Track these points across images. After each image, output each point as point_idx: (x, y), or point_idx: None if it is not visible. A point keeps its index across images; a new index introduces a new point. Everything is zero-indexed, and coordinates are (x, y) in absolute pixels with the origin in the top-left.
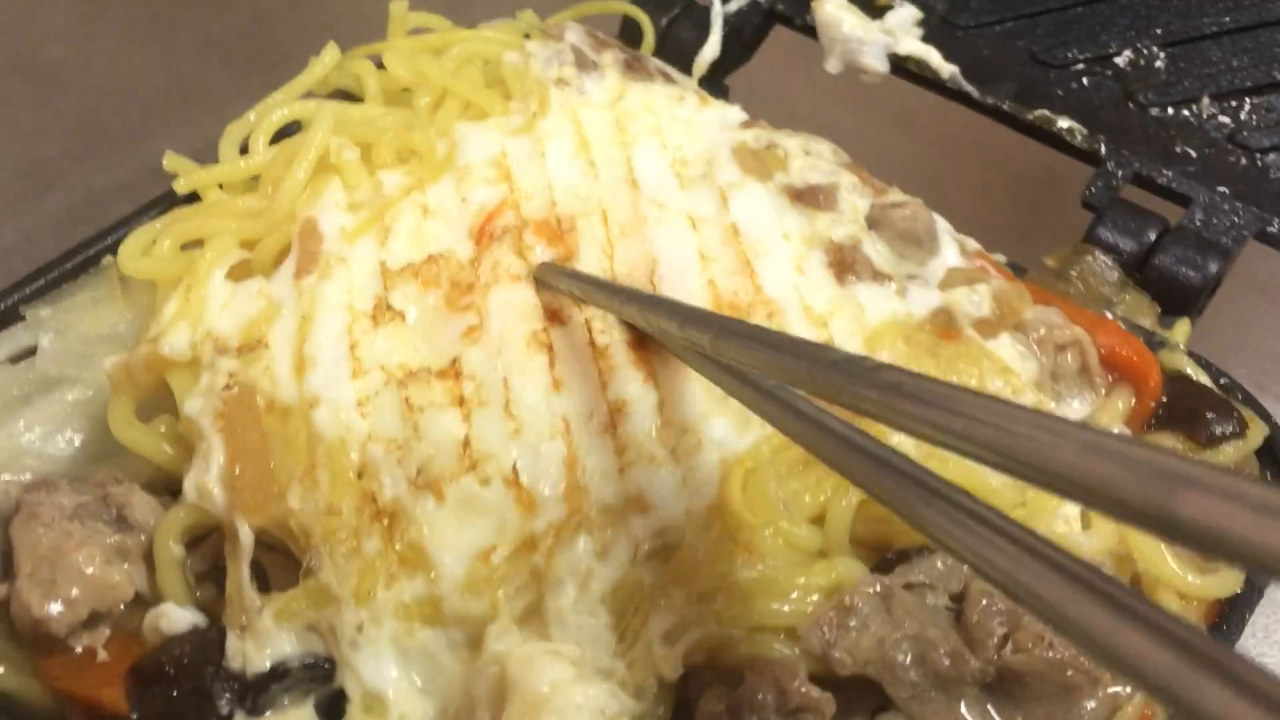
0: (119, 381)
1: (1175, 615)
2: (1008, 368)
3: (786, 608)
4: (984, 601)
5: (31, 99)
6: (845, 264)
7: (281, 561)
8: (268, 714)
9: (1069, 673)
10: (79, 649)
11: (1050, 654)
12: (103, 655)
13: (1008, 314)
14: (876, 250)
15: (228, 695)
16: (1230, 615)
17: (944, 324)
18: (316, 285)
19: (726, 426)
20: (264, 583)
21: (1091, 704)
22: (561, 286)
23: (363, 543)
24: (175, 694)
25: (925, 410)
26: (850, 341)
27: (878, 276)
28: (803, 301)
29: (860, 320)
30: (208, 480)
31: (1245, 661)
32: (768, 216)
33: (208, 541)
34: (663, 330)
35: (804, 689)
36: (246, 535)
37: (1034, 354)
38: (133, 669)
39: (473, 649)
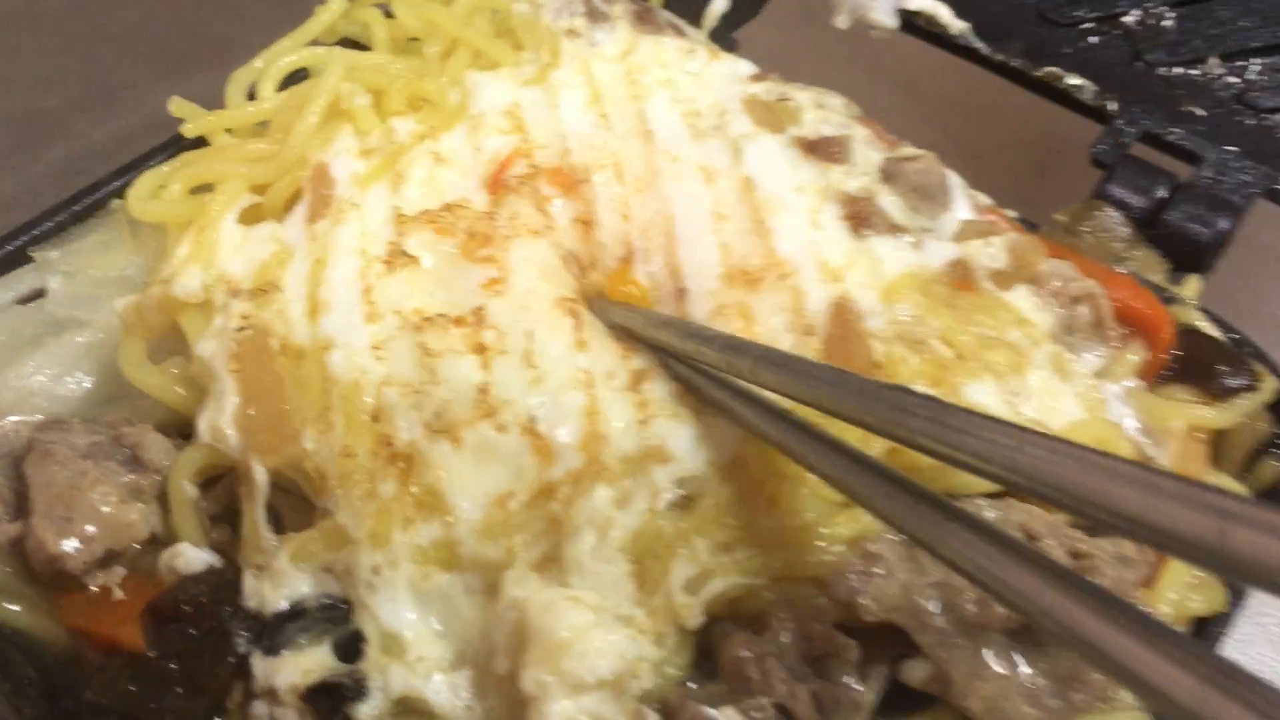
0: (130, 323)
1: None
2: (1025, 319)
3: (811, 557)
4: None
5: (33, 49)
6: (860, 216)
7: (296, 503)
8: (284, 653)
9: None
10: (94, 588)
11: None
12: (118, 594)
13: (1023, 266)
14: (891, 203)
15: (245, 634)
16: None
17: (960, 276)
18: (330, 230)
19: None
20: (279, 524)
21: None
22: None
23: (379, 485)
24: (192, 632)
25: (960, 437)
26: (867, 294)
27: (893, 229)
28: (818, 257)
29: (877, 272)
30: (221, 421)
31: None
32: (781, 169)
33: (221, 483)
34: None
35: (829, 634)
36: (261, 476)
37: (1050, 307)
38: (149, 607)
39: (490, 595)
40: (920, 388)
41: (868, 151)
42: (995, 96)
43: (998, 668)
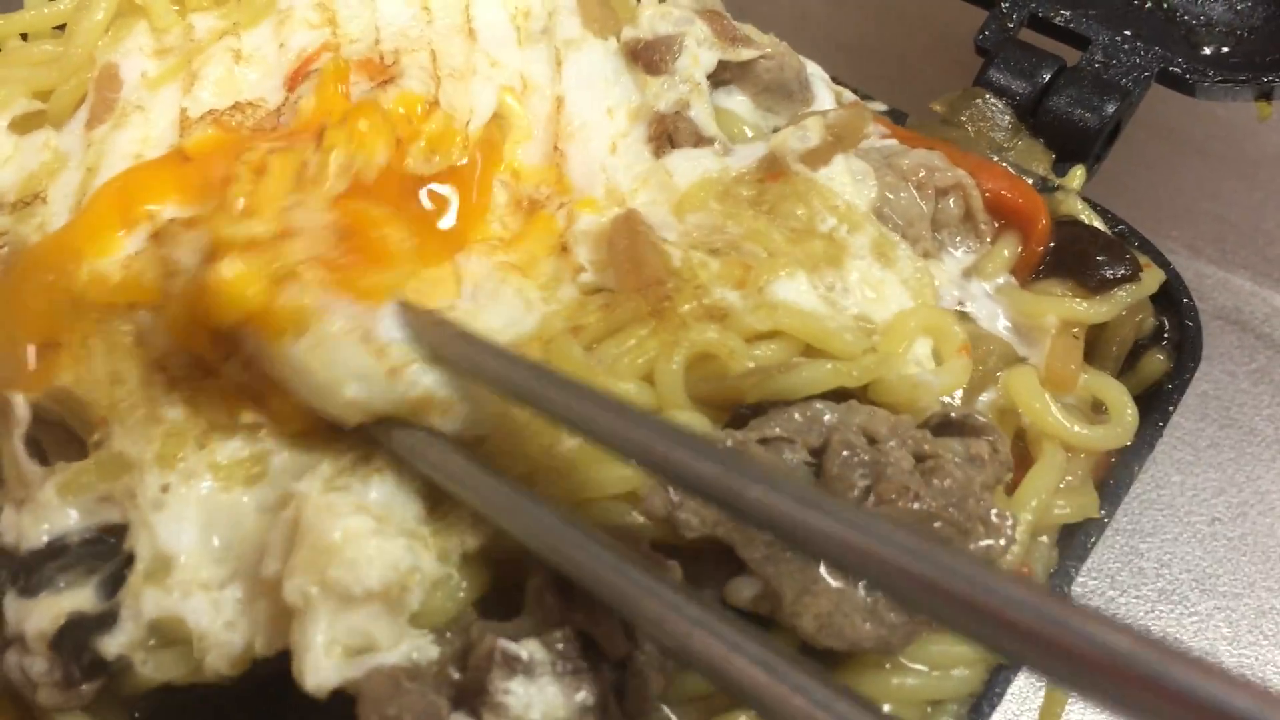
0: None
1: None
2: (840, 202)
3: (618, 473)
4: (844, 453)
5: None
6: (665, 135)
7: (62, 436)
8: (41, 595)
9: (936, 525)
10: None
11: (915, 505)
12: None
13: (845, 136)
14: (708, 112)
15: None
16: (1118, 469)
17: (769, 168)
18: (108, 135)
19: (507, 312)
20: (43, 458)
21: None
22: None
23: (161, 410)
24: None
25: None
26: (655, 211)
27: (700, 141)
28: (607, 184)
29: (668, 187)
30: None
31: None
32: (596, 86)
33: None
34: None
35: (645, 556)
36: (22, 408)
37: (873, 178)
38: None
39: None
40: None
41: (700, 51)
42: None
43: (832, 581)
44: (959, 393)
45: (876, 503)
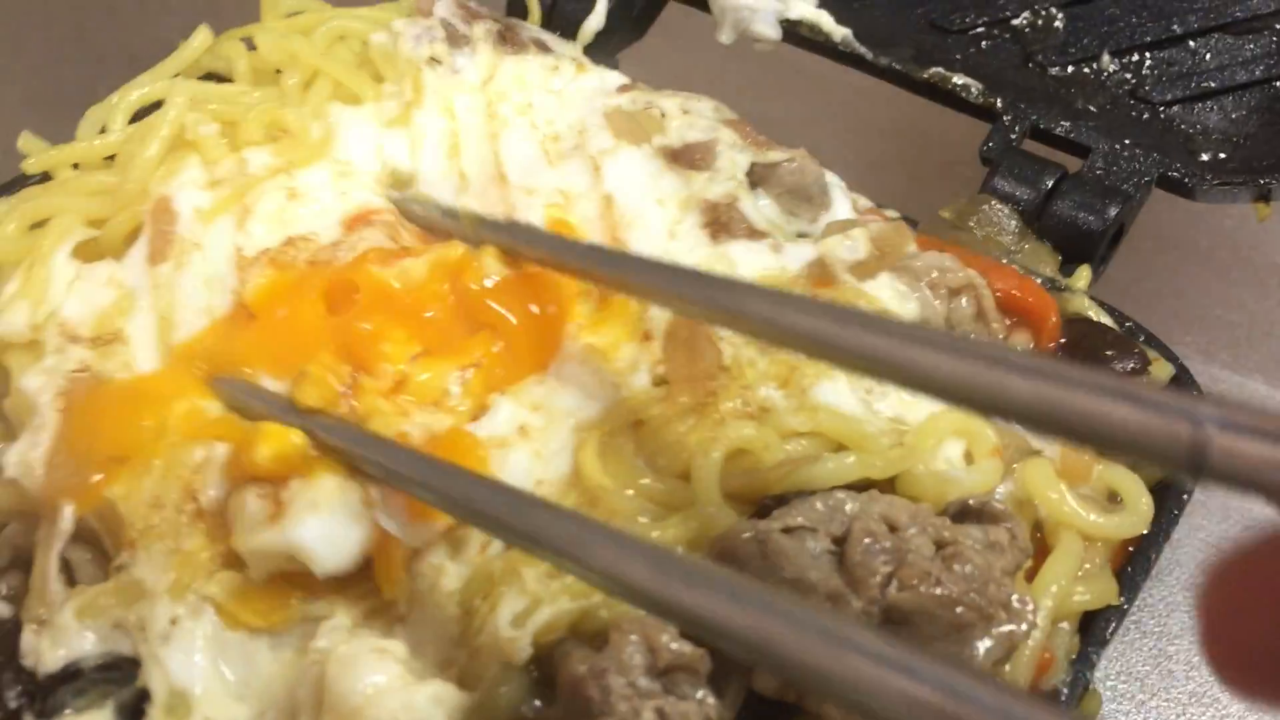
0: None
1: None
2: (885, 310)
3: None
4: (866, 541)
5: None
6: (720, 223)
7: (91, 558)
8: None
9: (958, 610)
10: None
11: (938, 590)
12: None
13: (886, 254)
14: (756, 208)
15: (18, 689)
16: (1135, 557)
17: (819, 274)
18: (173, 277)
19: (581, 394)
20: (70, 578)
21: (986, 643)
22: None
23: (183, 541)
24: None
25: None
26: None
27: (753, 234)
28: None
29: None
30: (34, 457)
31: None
32: (641, 182)
33: (9, 529)
34: None
35: (675, 645)
36: (67, 520)
37: (918, 293)
38: None
39: (302, 650)
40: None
41: (734, 154)
42: (910, 112)
43: None
44: None
45: (899, 589)
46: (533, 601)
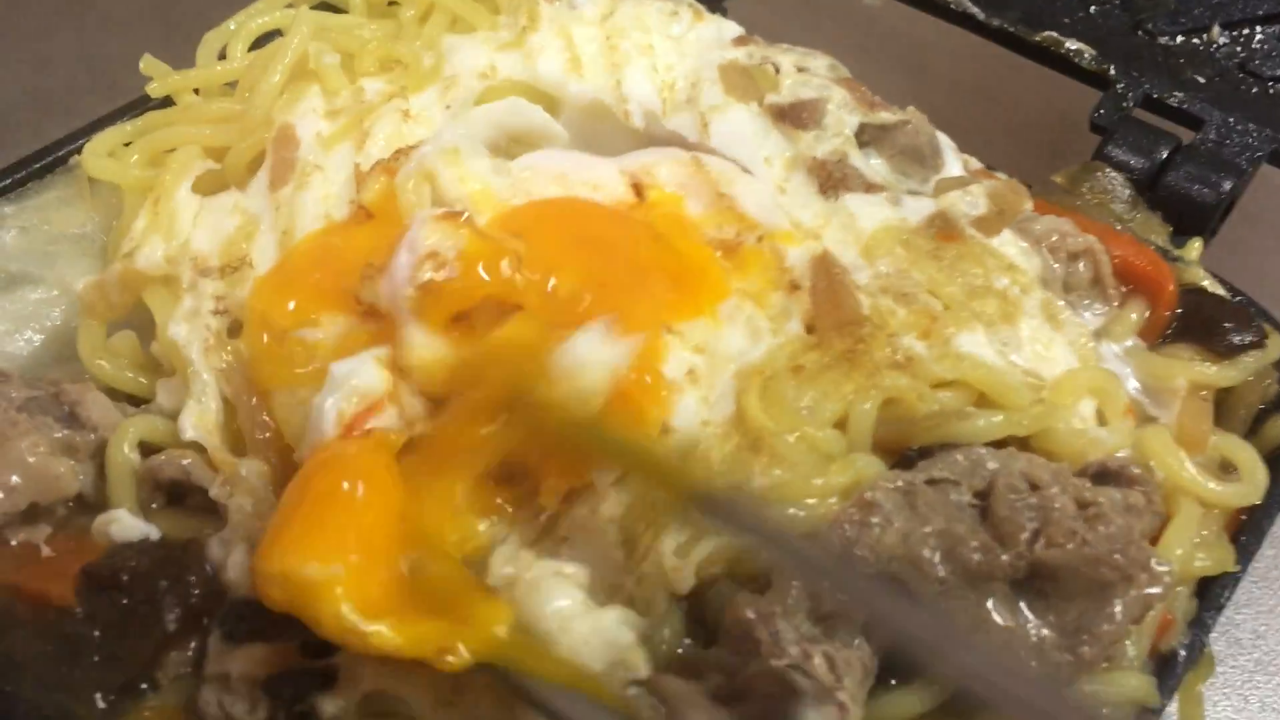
0: (90, 302)
1: None
2: (1013, 264)
3: (803, 512)
4: (1012, 497)
5: (34, 30)
6: (832, 179)
7: None
8: (246, 642)
9: (1102, 569)
10: (14, 542)
11: (1086, 549)
12: (46, 551)
13: (1006, 210)
14: (868, 165)
15: (177, 611)
16: (1249, 525)
17: (943, 226)
18: (294, 196)
19: (741, 339)
20: None
21: (1120, 605)
22: None
23: None
24: (125, 602)
25: None
26: (846, 251)
27: (870, 188)
28: (791, 218)
29: (853, 229)
30: (207, 424)
31: None
32: (749, 141)
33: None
34: None
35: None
36: (252, 470)
37: (1038, 252)
38: (85, 570)
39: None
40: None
41: (843, 114)
42: (1003, 78)
43: (1001, 619)
44: None
45: (1047, 545)
46: (695, 533)
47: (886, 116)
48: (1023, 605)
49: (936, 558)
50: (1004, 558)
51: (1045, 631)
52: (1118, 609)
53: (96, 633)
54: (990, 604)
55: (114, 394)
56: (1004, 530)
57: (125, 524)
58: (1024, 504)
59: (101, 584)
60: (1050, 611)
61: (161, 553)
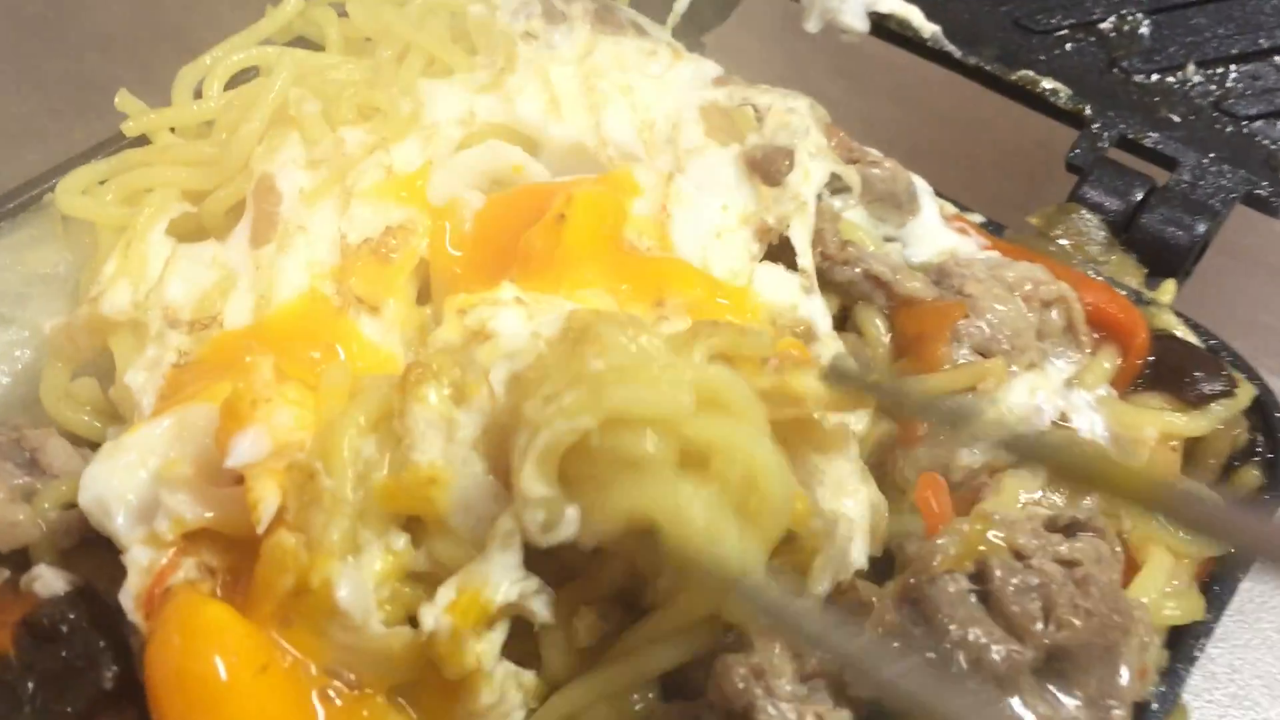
0: (58, 345)
1: None
2: None
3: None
4: (1012, 585)
5: (10, 51)
6: (769, 244)
7: None
8: None
9: (1109, 633)
10: None
11: (1093, 620)
12: None
13: None
14: (804, 237)
15: (115, 669)
16: (1221, 575)
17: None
18: (275, 259)
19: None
20: None
21: (1125, 661)
22: None
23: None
24: (63, 655)
25: None
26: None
27: (792, 268)
28: (704, 262)
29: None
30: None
31: None
32: (716, 187)
33: None
34: None
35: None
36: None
37: (1012, 304)
38: (24, 620)
39: None
40: None
41: (811, 165)
42: (982, 107)
43: (1037, 713)
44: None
45: (1058, 629)
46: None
47: (861, 167)
48: (1052, 689)
49: (965, 670)
50: (1028, 655)
51: (1077, 708)
52: (1126, 665)
53: (31, 684)
54: (1021, 700)
55: (76, 440)
56: (1018, 624)
57: (47, 579)
58: (1026, 586)
59: (40, 635)
60: (1074, 687)
61: (99, 606)
